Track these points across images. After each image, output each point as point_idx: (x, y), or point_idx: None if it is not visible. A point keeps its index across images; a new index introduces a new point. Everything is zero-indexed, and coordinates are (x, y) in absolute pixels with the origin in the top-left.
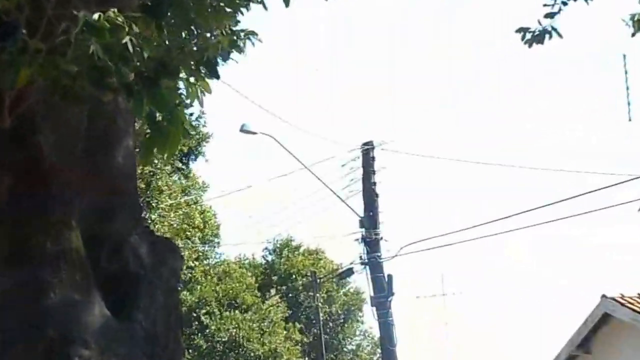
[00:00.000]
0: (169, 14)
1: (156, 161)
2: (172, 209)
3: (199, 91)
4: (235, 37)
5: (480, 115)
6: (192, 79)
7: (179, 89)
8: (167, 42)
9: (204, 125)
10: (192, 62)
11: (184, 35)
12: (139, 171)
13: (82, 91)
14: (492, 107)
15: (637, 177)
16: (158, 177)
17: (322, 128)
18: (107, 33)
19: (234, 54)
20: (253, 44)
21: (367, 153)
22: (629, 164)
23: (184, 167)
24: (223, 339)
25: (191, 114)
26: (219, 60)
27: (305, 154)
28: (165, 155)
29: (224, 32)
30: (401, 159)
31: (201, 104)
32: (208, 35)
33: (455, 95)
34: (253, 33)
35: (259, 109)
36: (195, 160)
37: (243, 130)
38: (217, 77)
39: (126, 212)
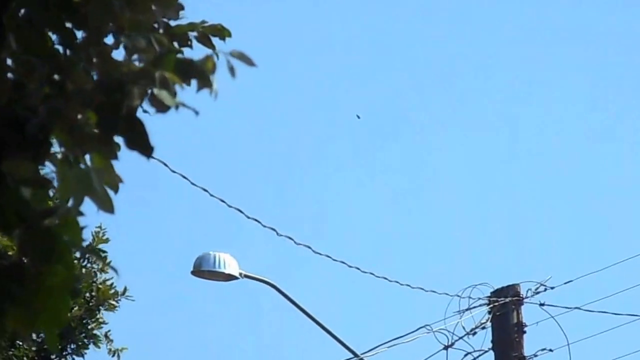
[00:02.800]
0: None
1: None
2: None
3: (93, 179)
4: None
5: None
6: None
7: (47, 184)
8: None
9: (101, 269)
10: (81, 119)
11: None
12: None
13: None
14: None
15: None
16: None
17: (386, 262)
18: None
19: (188, 94)
20: (233, 72)
21: (506, 314)
22: None
23: None
24: None
25: (82, 228)
26: (146, 105)
27: (353, 325)
28: (42, 335)
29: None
30: (581, 322)
31: (109, 209)
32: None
33: None
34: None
35: (235, 216)
36: (84, 351)
37: (199, 271)
38: (149, 150)
39: None
